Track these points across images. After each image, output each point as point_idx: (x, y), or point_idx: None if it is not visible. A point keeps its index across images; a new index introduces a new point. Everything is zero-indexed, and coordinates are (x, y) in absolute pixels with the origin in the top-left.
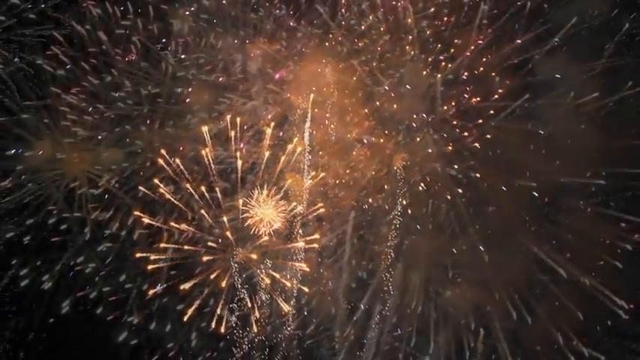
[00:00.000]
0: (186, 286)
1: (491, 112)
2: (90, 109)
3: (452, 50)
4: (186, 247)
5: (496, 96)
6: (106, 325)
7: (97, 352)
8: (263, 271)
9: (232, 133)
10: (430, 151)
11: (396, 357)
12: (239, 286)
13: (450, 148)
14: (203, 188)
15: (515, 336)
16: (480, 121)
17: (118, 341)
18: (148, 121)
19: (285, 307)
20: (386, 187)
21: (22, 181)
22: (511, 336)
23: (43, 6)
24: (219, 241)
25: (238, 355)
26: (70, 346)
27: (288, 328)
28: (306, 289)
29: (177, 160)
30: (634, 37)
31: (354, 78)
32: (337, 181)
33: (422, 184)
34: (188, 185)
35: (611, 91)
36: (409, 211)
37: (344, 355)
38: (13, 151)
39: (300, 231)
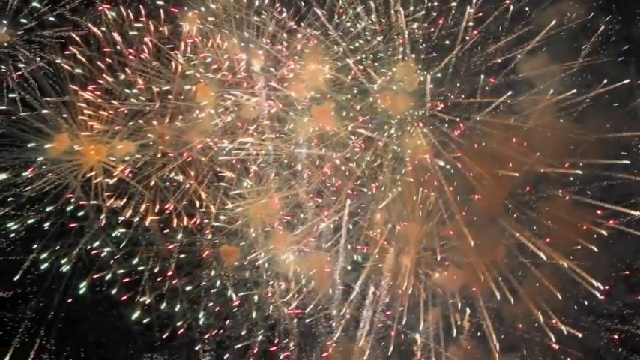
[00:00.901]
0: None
1: (477, 107)
2: (105, 104)
3: (440, 50)
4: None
5: (481, 92)
6: (120, 305)
7: (111, 330)
8: (262, 253)
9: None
10: (420, 143)
11: (389, 334)
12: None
13: (438, 140)
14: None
15: (499, 314)
16: (466, 115)
17: (131, 319)
18: (159, 116)
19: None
20: (379, 177)
21: (43, 171)
22: (495, 314)
23: (61, 10)
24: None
25: (242, 332)
26: (87, 323)
27: (289, 307)
28: None
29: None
30: (609, 38)
31: (350, 76)
32: (335, 172)
33: (412, 174)
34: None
35: (587, 88)
36: (400, 199)
37: (340, 332)
38: (34, 144)
39: (301, 216)
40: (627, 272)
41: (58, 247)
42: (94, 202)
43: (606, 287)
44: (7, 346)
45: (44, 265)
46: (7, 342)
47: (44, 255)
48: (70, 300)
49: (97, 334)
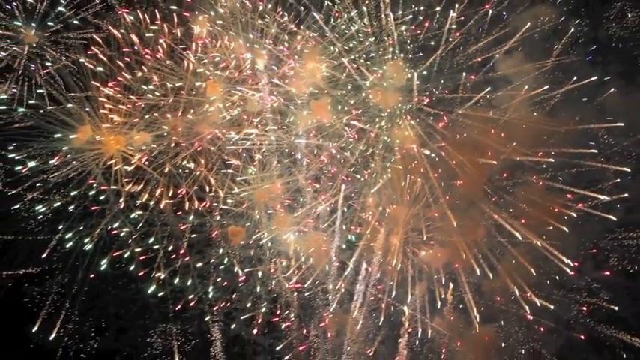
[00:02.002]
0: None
1: (459, 102)
2: (124, 99)
3: (426, 50)
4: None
5: (462, 89)
6: (137, 280)
7: (129, 302)
8: (266, 233)
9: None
10: (407, 134)
11: (379, 306)
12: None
13: (424, 132)
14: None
15: (479, 288)
16: (450, 109)
17: (147, 293)
18: (173, 109)
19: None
20: (371, 164)
21: (68, 159)
22: (475, 288)
23: (84, 14)
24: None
25: (247, 304)
26: (107, 297)
27: (290, 282)
28: None
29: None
30: (578, 39)
31: (344, 74)
32: (331, 160)
33: (401, 162)
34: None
35: (559, 84)
36: (390, 185)
37: (336, 304)
38: (60, 135)
39: (301, 199)
40: (594, 250)
41: (81, 228)
42: (114, 187)
43: (575, 264)
44: (35, 317)
45: (69, 244)
46: (35, 313)
47: (69, 235)
48: (92, 275)
49: (117, 306)
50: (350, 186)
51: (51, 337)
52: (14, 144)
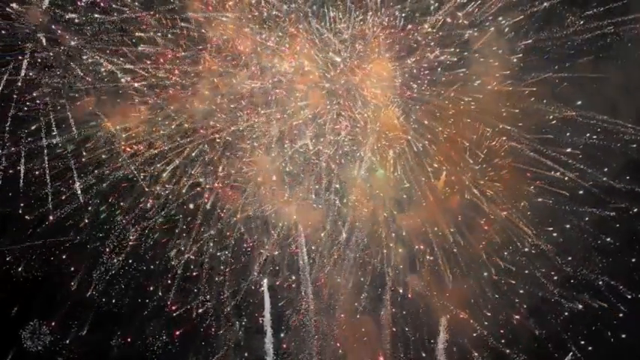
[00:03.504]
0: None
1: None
2: (150, 94)
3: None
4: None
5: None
6: (162, 246)
7: (157, 263)
8: (270, 206)
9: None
10: (393, 122)
11: (367, 268)
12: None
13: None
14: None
15: (453, 254)
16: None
17: (170, 256)
18: (191, 101)
19: None
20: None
21: (101, 143)
22: (449, 254)
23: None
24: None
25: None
26: (139, 260)
27: (290, 247)
28: None
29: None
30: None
31: (338, 70)
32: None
33: (387, 147)
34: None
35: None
36: (378, 163)
37: (330, 267)
38: (94, 122)
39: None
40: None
41: (113, 201)
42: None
43: (534, 231)
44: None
45: (102, 216)
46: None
47: (102, 207)
48: (123, 242)
49: (147, 265)
50: (341, 167)
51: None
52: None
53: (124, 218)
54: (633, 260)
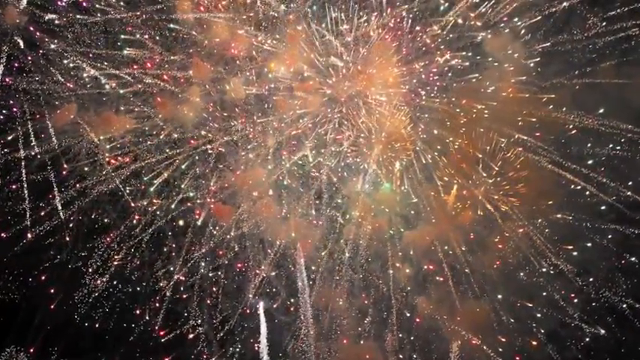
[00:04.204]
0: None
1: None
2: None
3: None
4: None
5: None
6: (150, 266)
7: (144, 285)
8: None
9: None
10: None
11: (371, 290)
12: None
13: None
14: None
15: (464, 275)
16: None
17: (158, 277)
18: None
19: None
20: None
21: (83, 155)
22: (460, 275)
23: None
24: None
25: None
26: (124, 282)
27: (288, 267)
28: None
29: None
30: None
31: (340, 75)
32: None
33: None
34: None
35: None
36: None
37: (331, 289)
38: (76, 132)
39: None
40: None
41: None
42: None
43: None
44: None
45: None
46: None
47: (127, 190)
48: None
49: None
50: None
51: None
52: None
53: (109, 236)
54: None
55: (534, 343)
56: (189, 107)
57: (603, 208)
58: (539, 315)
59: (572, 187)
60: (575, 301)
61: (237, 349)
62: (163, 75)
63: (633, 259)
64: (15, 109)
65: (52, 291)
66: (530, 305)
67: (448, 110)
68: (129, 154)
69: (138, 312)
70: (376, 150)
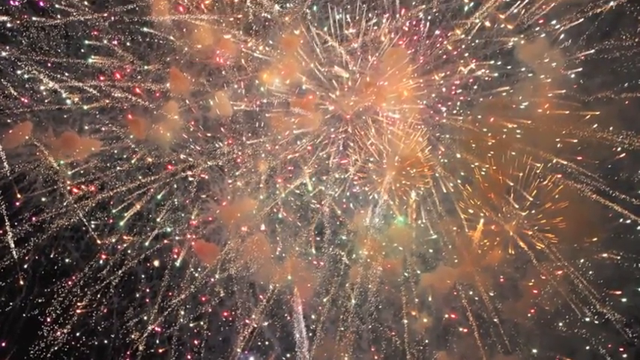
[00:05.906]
0: None
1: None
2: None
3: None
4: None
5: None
6: (119, 315)
7: (112, 337)
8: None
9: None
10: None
11: (382, 344)
12: None
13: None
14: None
15: (493, 325)
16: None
17: (129, 327)
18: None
19: None
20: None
21: (40, 182)
22: (487, 325)
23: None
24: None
25: None
26: (89, 333)
27: (284, 316)
28: None
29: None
30: None
31: (345, 88)
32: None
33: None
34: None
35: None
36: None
37: (334, 342)
38: (31, 155)
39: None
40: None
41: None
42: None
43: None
44: None
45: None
46: None
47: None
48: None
49: None
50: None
51: None
52: None
53: (70, 279)
54: None
55: None
56: (165, 126)
57: None
58: None
59: (621, 220)
60: (625, 355)
61: None
62: (135, 88)
63: None
64: None
65: (3, 345)
66: None
67: (473, 130)
68: (94, 182)
69: None
70: (388, 177)
